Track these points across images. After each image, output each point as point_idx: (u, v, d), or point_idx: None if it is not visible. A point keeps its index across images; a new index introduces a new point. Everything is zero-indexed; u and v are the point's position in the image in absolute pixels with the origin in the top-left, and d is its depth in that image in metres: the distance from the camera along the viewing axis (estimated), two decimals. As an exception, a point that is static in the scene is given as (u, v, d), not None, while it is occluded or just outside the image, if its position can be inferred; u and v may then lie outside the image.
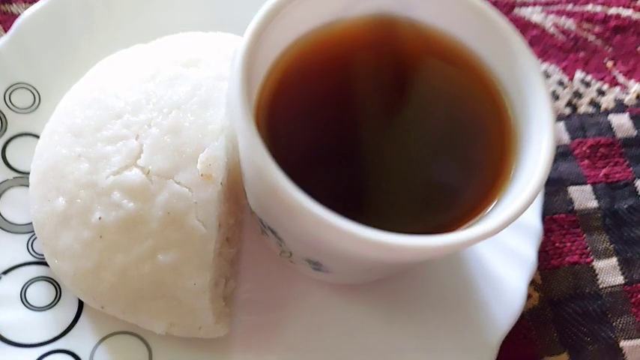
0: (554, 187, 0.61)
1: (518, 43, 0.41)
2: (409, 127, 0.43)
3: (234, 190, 0.49)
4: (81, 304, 0.48)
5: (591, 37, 0.70)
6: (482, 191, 0.40)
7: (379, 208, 0.40)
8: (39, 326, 0.46)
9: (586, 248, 0.58)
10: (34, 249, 0.49)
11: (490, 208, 0.39)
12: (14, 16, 0.59)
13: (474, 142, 0.43)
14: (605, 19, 0.71)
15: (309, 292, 0.50)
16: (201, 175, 0.43)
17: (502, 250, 0.52)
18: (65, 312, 0.47)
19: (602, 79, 0.68)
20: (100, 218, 0.43)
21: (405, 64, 0.44)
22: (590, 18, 0.71)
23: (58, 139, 0.46)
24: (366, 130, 0.43)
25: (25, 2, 0.62)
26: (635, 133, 0.64)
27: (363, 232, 0.33)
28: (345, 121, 0.43)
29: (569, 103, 0.66)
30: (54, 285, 0.48)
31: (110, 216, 0.43)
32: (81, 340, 0.46)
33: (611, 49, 0.70)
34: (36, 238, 0.48)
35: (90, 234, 0.43)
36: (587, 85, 0.67)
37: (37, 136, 0.50)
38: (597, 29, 0.70)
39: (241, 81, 0.36)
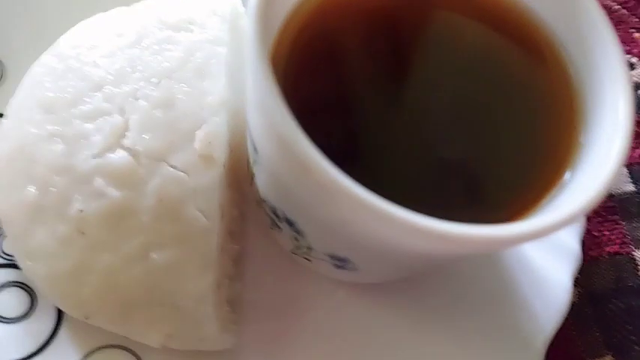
0: (588, 169, 0.57)
1: None
2: (450, 91, 0.38)
3: (237, 175, 0.44)
4: (60, 313, 0.43)
5: (616, 7, 0.66)
6: (547, 166, 0.35)
7: (423, 191, 0.35)
8: (11, 342, 0.42)
9: (626, 237, 0.54)
10: (3, 250, 0.44)
11: (560, 185, 0.34)
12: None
13: (530, 111, 0.38)
14: (630, -13, 0.67)
15: (325, 293, 0.46)
16: (200, 155, 0.39)
17: (541, 240, 0.47)
18: (42, 323, 0.43)
19: (629, 51, 0.63)
20: (80, 210, 0.39)
21: (444, 17, 0.39)
22: (614, -15, 0.68)
23: (27, 116, 0.41)
24: (400, 98, 0.37)
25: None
26: (669, 109, 0.60)
27: (428, 223, 0.28)
28: (376, 87, 0.38)
29: (597, 78, 0.62)
30: (27, 291, 0.44)
31: (92, 207, 0.39)
32: (61, 357, 0.42)
33: (636, 19, 0.65)
34: (4, 236, 0.43)
35: (68, 229, 0.39)
36: (615, 57, 0.63)
37: (2, 116, 0.45)
38: (621, -3, 0.67)
39: (257, 34, 0.30)
